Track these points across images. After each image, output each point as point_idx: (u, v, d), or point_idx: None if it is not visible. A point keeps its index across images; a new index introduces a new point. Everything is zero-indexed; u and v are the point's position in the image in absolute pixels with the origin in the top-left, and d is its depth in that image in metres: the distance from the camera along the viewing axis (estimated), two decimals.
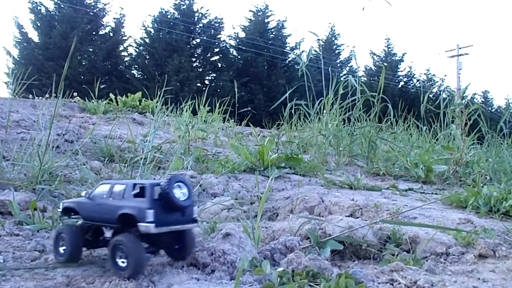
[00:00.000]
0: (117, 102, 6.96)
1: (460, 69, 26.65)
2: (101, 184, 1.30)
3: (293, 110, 4.78)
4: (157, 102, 6.74)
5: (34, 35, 21.38)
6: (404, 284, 1.23)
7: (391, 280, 1.27)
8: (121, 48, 23.27)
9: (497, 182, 2.99)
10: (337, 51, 28.48)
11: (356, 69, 11.12)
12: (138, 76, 22.83)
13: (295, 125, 5.18)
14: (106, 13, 22.87)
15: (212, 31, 23.96)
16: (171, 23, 22.75)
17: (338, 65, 27.26)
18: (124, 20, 23.04)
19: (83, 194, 1.35)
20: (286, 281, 1.19)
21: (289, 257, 1.32)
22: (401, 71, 28.80)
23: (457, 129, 3.70)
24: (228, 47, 25.07)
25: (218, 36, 24.37)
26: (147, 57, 22.97)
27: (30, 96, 5.91)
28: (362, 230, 1.62)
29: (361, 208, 2.10)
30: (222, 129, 5.58)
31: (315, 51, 24.58)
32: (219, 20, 24.37)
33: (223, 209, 2.15)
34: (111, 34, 22.69)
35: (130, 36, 25.60)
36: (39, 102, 5.46)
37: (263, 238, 1.74)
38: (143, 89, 10.66)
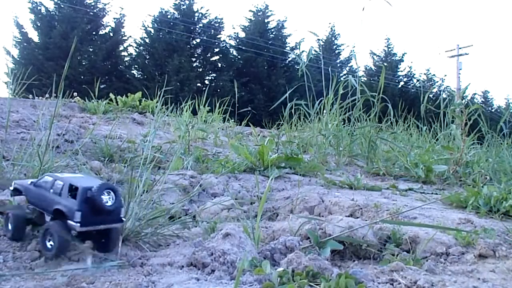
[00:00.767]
0: (117, 102, 6.96)
1: (460, 69, 26.66)
2: (46, 175, 1.47)
3: (293, 110, 4.78)
4: (157, 102, 6.75)
5: (34, 35, 21.40)
6: (404, 284, 1.23)
7: (391, 280, 1.27)
8: (121, 48, 23.28)
9: (497, 182, 2.99)
10: (337, 51, 28.49)
11: (356, 69, 11.12)
12: (138, 76, 22.84)
13: (295, 125, 5.18)
14: (106, 13, 22.89)
15: (212, 31, 23.97)
16: (171, 23, 22.76)
17: (338, 65, 27.27)
18: (124, 20, 23.06)
19: (29, 181, 1.52)
20: (286, 281, 1.19)
21: (289, 257, 1.32)
22: (401, 71, 28.82)
23: (457, 129, 3.70)
24: (228, 47, 25.08)
25: (218, 36, 24.38)
26: (147, 57, 22.97)
27: (30, 96, 5.91)
28: (362, 230, 1.62)
29: (361, 208, 2.10)
30: (222, 129, 5.58)
31: (315, 51, 24.59)
32: (219, 20, 24.38)
33: (223, 209, 2.15)
34: (111, 34, 22.70)
35: (130, 36, 25.63)
36: (39, 102, 5.46)
37: (263, 238, 1.74)
38: (143, 89, 10.66)
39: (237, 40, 25.37)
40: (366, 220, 1.93)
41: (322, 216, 2.08)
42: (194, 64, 23.55)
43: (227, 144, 4.33)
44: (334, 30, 28.81)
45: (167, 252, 1.50)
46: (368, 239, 1.60)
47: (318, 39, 27.45)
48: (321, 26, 53.01)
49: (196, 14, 23.86)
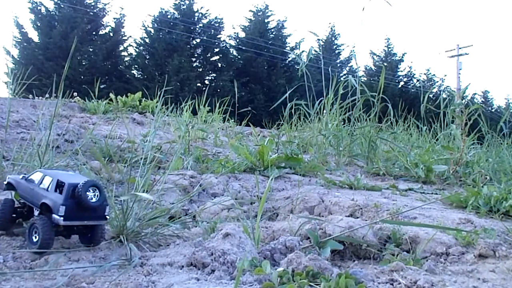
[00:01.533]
0: (117, 102, 6.96)
1: (460, 69, 26.66)
2: (37, 171, 1.54)
3: (293, 110, 4.78)
4: (157, 102, 6.75)
5: (34, 35, 21.39)
6: (404, 284, 1.23)
7: (391, 280, 1.27)
8: (121, 48, 23.27)
9: (497, 182, 2.98)
10: (337, 51, 28.47)
11: (356, 69, 11.12)
12: (138, 76, 22.83)
13: (295, 125, 5.18)
14: (106, 13, 22.87)
15: (212, 31, 23.95)
16: (171, 23, 22.75)
17: (338, 65, 27.26)
18: (124, 20, 23.04)
19: (20, 176, 1.59)
20: (286, 281, 1.19)
21: (289, 257, 1.32)
22: (401, 71, 28.80)
23: (457, 129, 3.70)
24: (228, 47, 25.06)
25: (218, 36, 24.37)
26: (147, 57, 22.96)
27: (30, 96, 5.91)
28: (362, 230, 1.62)
29: (361, 208, 2.10)
30: (222, 129, 5.58)
31: (315, 51, 24.58)
32: (219, 20, 24.37)
33: (223, 209, 2.15)
34: (111, 34, 22.68)
35: (130, 36, 25.63)
36: (39, 102, 5.46)
37: (263, 238, 1.74)
38: (143, 89, 10.66)
39: (237, 40, 25.36)
40: (366, 220, 1.93)
41: (322, 216, 2.08)
42: (194, 64, 23.54)
43: (227, 144, 4.33)
44: (334, 30, 28.81)
45: (167, 252, 1.50)
46: (368, 239, 1.60)
47: (318, 39, 27.45)
48: (321, 26, 53.03)
49: (196, 14, 23.85)
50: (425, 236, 1.60)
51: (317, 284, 1.18)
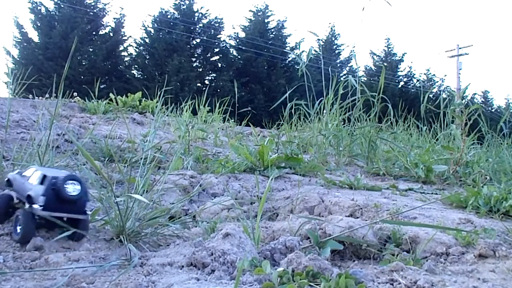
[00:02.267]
0: (117, 102, 6.96)
1: (460, 69, 26.66)
2: (30, 167, 1.62)
3: (293, 110, 4.78)
4: (157, 102, 6.75)
5: (34, 35, 21.39)
6: (404, 284, 1.23)
7: (391, 280, 1.27)
8: (121, 48, 23.27)
9: (497, 182, 2.98)
10: (337, 51, 28.48)
11: (356, 69, 11.12)
12: (138, 76, 22.83)
13: (295, 125, 5.18)
14: (106, 13, 22.88)
15: (212, 31, 23.95)
16: (171, 23, 22.75)
17: (338, 65, 27.26)
18: (124, 20, 23.05)
19: (16, 172, 1.66)
20: (286, 281, 1.19)
21: (289, 257, 1.32)
22: (401, 71, 28.80)
23: (457, 129, 3.70)
24: (228, 47, 25.07)
25: (218, 36, 24.37)
26: (147, 57, 22.96)
27: (30, 96, 5.91)
28: (362, 230, 1.62)
29: (361, 208, 2.10)
30: (222, 129, 5.58)
31: (315, 51, 24.59)
32: (219, 20, 24.37)
33: (223, 209, 2.15)
34: (111, 34, 22.69)
35: (130, 36, 25.64)
36: (39, 102, 5.46)
37: (263, 238, 1.74)
38: (143, 89, 10.66)
39: (237, 40, 25.36)
40: (366, 220, 1.93)
41: (322, 216, 2.08)
42: (194, 64, 23.54)
43: (227, 144, 4.33)
44: (334, 30, 28.81)
45: (167, 252, 1.50)
46: (368, 239, 1.60)
47: (318, 39, 27.46)
48: (321, 26, 53.03)
49: (196, 14, 23.85)
50: (425, 236, 1.60)
51: (317, 284, 1.18)
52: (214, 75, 23.90)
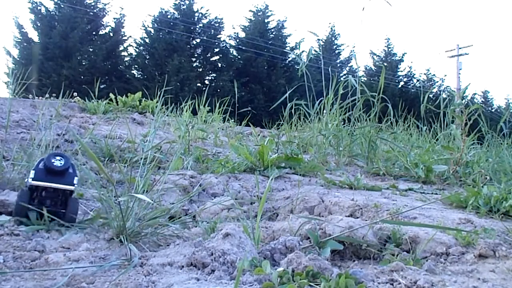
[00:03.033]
0: (117, 102, 6.96)
1: (460, 69, 26.69)
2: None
3: (293, 110, 4.78)
4: (157, 102, 6.75)
5: (34, 35, 21.39)
6: (404, 284, 1.23)
7: (391, 280, 1.27)
8: (121, 48, 23.27)
9: (497, 182, 2.98)
10: (337, 51, 28.48)
11: (356, 69, 11.13)
12: (138, 76, 22.83)
13: (295, 125, 5.18)
14: (106, 13, 22.88)
15: (212, 31, 23.96)
16: (171, 23, 22.75)
17: (338, 65, 27.27)
18: (124, 20, 23.06)
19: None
20: (286, 281, 1.19)
21: (289, 257, 1.32)
22: (401, 71, 28.80)
23: (457, 129, 3.70)
24: (228, 47, 25.07)
25: (218, 36, 24.37)
26: (147, 57, 22.96)
27: (30, 96, 5.91)
28: (362, 230, 1.62)
29: (361, 208, 2.10)
30: (222, 129, 5.58)
31: (315, 51, 24.59)
32: (219, 20, 24.37)
33: (223, 209, 2.15)
34: (111, 34, 22.69)
35: (130, 36, 25.64)
36: (39, 102, 5.46)
37: (263, 238, 1.74)
38: (143, 89, 10.67)
39: (237, 40, 25.35)
40: (366, 220, 1.93)
41: (322, 216, 2.08)
42: (194, 64, 23.54)
43: (227, 144, 4.33)
44: (334, 30, 28.81)
45: (167, 252, 1.50)
46: (368, 239, 1.60)
47: (318, 39, 27.47)
48: (321, 26, 53.03)
49: (196, 14, 23.85)
50: (425, 236, 1.60)
51: (317, 284, 1.18)
52: (214, 75, 23.90)
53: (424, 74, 29.47)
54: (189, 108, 5.18)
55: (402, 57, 28.85)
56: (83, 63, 21.12)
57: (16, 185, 2.10)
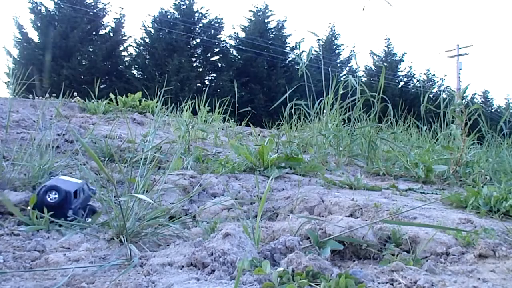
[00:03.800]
0: (117, 102, 6.96)
1: (460, 69, 26.69)
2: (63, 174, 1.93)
3: (293, 110, 4.78)
4: (157, 102, 6.75)
5: (34, 35, 21.39)
6: (404, 284, 1.23)
7: (391, 280, 1.27)
8: (121, 48, 23.26)
9: (497, 182, 2.99)
10: (337, 51, 28.47)
11: (356, 69, 11.13)
12: (138, 76, 22.82)
13: (295, 125, 5.18)
14: (106, 13, 22.87)
15: (212, 31, 23.95)
16: (171, 23, 22.75)
17: (338, 65, 27.26)
18: (124, 20, 23.04)
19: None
20: (286, 281, 1.19)
21: (289, 257, 1.32)
22: (401, 71, 28.80)
23: (457, 129, 3.70)
24: (228, 47, 25.06)
25: (218, 36, 24.36)
26: (147, 57, 22.96)
27: (30, 96, 5.91)
28: (362, 230, 1.62)
29: (361, 208, 2.10)
30: (222, 129, 5.58)
31: (315, 51, 24.59)
32: (219, 20, 24.36)
33: (223, 209, 2.15)
34: (111, 34, 22.68)
35: (130, 36, 25.63)
36: (39, 102, 5.46)
37: (263, 238, 1.74)
38: (143, 89, 10.67)
39: (237, 40, 25.35)
40: (366, 220, 1.93)
41: (322, 216, 2.08)
42: (194, 64, 23.53)
43: (227, 144, 4.33)
44: (334, 30, 28.79)
45: (167, 252, 1.50)
46: (368, 239, 1.60)
47: (318, 39, 27.46)
48: (321, 26, 53.03)
49: (196, 14, 23.84)
50: (425, 236, 1.60)
51: (317, 284, 1.18)
52: (214, 75, 23.89)
53: (424, 74, 29.50)
54: (189, 108, 5.18)
55: (402, 57, 28.86)
56: (83, 63, 21.12)
57: (16, 185, 2.10)
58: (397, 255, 1.51)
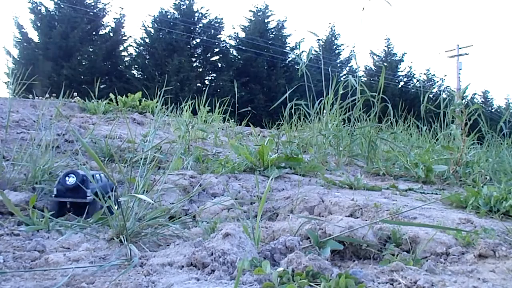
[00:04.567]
0: (117, 102, 6.96)
1: (460, 69, 26.68)
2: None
3: (293, 110, 4.78)
4: (157, 102, 6.75)
5: (34, 35, 21.39)
6: (404, 284, 1.23)
7: (391, 280, 1.27)
8: (121, 48, 23.26)
9: (497, 182, 2.99)
10: (337, 51, 28.46)
11: (356, 69, 11.13)
12: (138, 76, 22.82)
13: (295, 125, 5.18)
14: (106, 13, 22.87)
15: (212, 31, 23.95)
16: (171, 23, 22.75)
17: (338, 65, 27.26)
18: (124, 20, 23.05)
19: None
20: (286, 281, 1.19)
21: (289, 257, 1.32)
22: (401, 71, 28.80)
23: (457, 129, 3.70)
24: (228, 47, 25.06)
25: (218, 36, 24.36)
26: (147, 57, 22.96)
27: (30, 96, 5.91)
28: (362, 230, 1.62)
29: (361, 208, 2.10)
30: (222, 129, 5.58)
31: (315, 51, 24.59)
32: (219, 20, 24.36)
33: (223, 209, 2.15)
34: (111, 34, 22.68)
35: (130, 36, 25.66)
36: (39, 102, 5.46)
37: (263, 238, 1.74)
38: (143, 89, 10.67)
39: (237, 40, 25.34)
40: (366, 220, 1.93)
41: (322, 216, 2.08)
42: (194, 64, 23.53)
43: (227, 144, 4.33)
44: (334, 30, 28.80)
45: (167, 252, 1.50)
46: (368, 239, 1.60)
47: (318, 39, 27.45)
48: (321, 26, 53.03)
49: (196, 14, 23.84)
50: (425, 236, 1.60)
51: (317, 284, 1.18)
52: (214, 75, 23.89)
53: (424, 74, 29.50)
54: (189, 108, 5.18)
55: (402, 57, 28.86)
56: (83, 63, 21.12)
57: (16, 185, 2.10)
58: (397, 255, 1.51)
